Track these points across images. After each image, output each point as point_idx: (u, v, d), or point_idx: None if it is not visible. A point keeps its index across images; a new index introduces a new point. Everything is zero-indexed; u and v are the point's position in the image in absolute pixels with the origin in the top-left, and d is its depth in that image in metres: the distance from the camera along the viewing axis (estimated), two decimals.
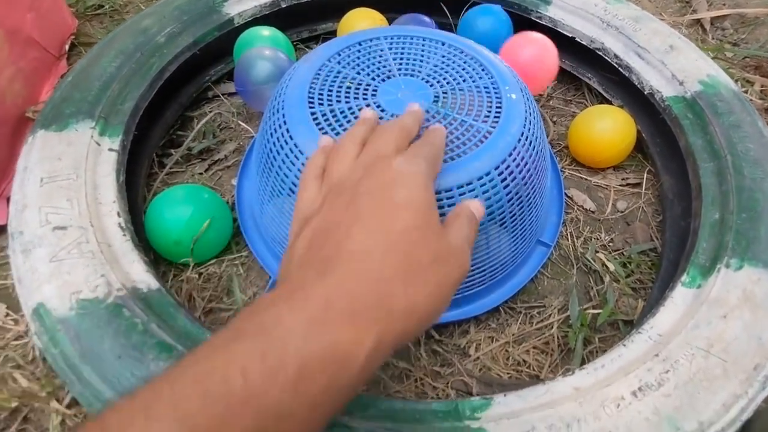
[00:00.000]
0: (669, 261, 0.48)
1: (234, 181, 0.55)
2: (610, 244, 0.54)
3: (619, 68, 0.60)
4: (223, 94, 0.63)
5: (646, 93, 0.57)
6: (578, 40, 0.63)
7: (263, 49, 0.55)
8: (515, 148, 0.38)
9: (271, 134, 0.39)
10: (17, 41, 0.57)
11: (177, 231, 0.44)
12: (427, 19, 0.65)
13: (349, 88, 0.40)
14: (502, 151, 0.37)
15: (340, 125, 0.38)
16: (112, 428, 0.19)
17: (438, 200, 0.34)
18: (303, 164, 0.37)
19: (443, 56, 0.43)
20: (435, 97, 0.40)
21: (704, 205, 0.45)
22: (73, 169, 0.42)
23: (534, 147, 0.40)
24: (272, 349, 0.21)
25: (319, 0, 0.67)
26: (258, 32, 0.61)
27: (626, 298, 0.49)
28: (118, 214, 0.41)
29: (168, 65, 0.54)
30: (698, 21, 0.81)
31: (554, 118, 0.65)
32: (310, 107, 0.38)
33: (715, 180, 0.46)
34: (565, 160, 0.61)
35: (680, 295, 0.39)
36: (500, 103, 0.40)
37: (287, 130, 0.38)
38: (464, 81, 0.41)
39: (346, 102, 0.39)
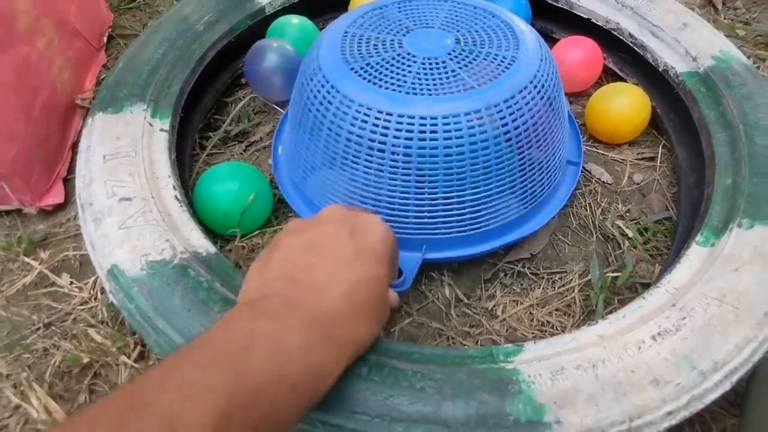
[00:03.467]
0: (684, 227, 0.51)
1: (270, 161, 0.59)
2: (627, 214, 0.57)
3: (634, 47, 0.62)
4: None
5: (660, 70, 0.60)
6: (594, 21, 0.66)
7: (272, 41, 0.60)
8: (540, 66, 0.44)
9: (315, 96, 0.43)
10: (64, 32, 0.61)
11: (226, 203, 0.47)
12: None
13: (376, 44, 0.45)
14: (531, 68, 0.43)
15: (379, 75, 0.42)
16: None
17: (490, 113, 0.40)
18: (357, 111, 0.40)
19: (449, 10, 0.49)
20: (456, 39, 0.45)
21: (717, 172, 0.47)
22: (131, 147, 0.46)
23: (552, 65, 0.46)
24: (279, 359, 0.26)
25: None
26: (288, 20, 0.65)
27: (644, 263, 0.52)
28: (174, 187, 0.45)
29: (207, 52, 0.57)
30: (710, 1, 0.82)
31: (571, 98, 0.68)
32: (347, 64, 0.43)
33: (727, 149, 0.49)
34: (583, 137, 0.64)
35: (695, 253, 0.42)
36: (514, 34, 0.46)
37: (332, 87, 0.42)
38: (476, 24, 0.47)
39: (378, 55, 0.44)
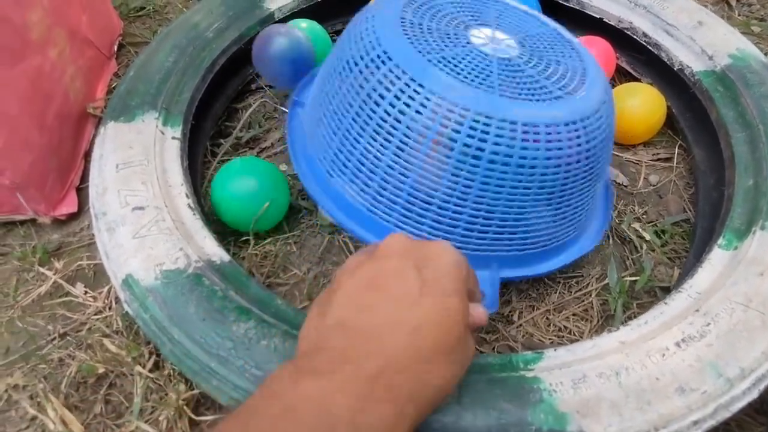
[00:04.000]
0: (703, 229, 0.50)
1: (282, 167, 0.59)
2: (644, 216, 0.56)
3: (648, 46, 0.62)
4: (265, 86, 0.67)
5: (675, 69, 0.59)
6: (606, 20, 0.65)
7: (280, 26, 0.59)
8: (603, 77, 0.42)
9: (386, 89, 0.37)
10: (76, 41, 0.61)
11: (242, 199, 0.48)
12: None
13: (441, 36, 0.40)
14: (602, 79, 0.42)
15: (463, 71, 0.37)
16: None
17: (584, 125, 0.38)
18: (449, 110, 0.36)
19: (499, 11, 0.46)
20: (520, 42, 0.42)
21: (737, 173, 0.46)
22: (143, 156, 0.46)
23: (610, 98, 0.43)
24: (321, 426, 0.23)
25: None
26: (297, 25, 0.64)
27: (662, 267, 0.51)
28: (186, 195, 0.44)
29: (218, 59, 0.57)
30: None
31: None
32: (422, 55, 0.37)
33: (747, 149, 0.48)
34: None
35: (717, 257, 0.41)
36: (571, 45, 0.44)
37: (412, 79, 0.36)
38: (530, 28, 0.45)
39: (449, 49, 0.39)
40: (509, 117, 0.36)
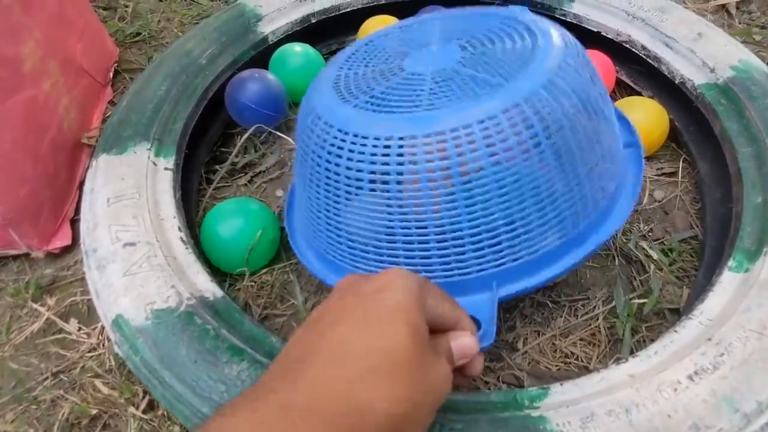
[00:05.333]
0: (711, 248, 0.48)
1: (278, 192, 0.58)
2: (650, 234, 0.54)
3: (648, 59, 0.60)
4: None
5: (677, 82, 0.58)
6: (604, 34, 0.64)
7: (253, 71, 0.59)
8: (567, 41, 0.38)
9: (321, 147, 0.37)
10: (70, 72, 0.61)
11: (232, 242, 0.46)
12: (443, 9, 0.66)
13: (374, 76, 0.40)
14: (559, 47, 0.37)
15: (389, 102, 0.36)
16: None
17: (531, 105, 0.34)
18: (374, 145, 0.34)
19: (443, 25, 0.44)
20: (460, 47, 0.40)
21: (745, 189, 0.45)
22: (135, 189, 0.45)
23: (579, 46, 0.39)
24: None
25: (345, 14, 0.69)
26: (291, 48, 0.64)
27: (671, 287, 0.50)
28: (179, 228, 0.44)
29: (211, 85, 0.57)
30: (723, 6, 0.80)
31: None
32: (348, 103, 0.37)
33: (754, 164, 0.47)
34: None
35: (728, 280, 0.39)
36: (524, 25, 0.39)
37: (339, 130, 0.36)
38: (478, 26, 0.41)
39: (380, 85, 0.38)
40: (434, 129, 0.33)
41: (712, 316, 0.37)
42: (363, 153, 0.35)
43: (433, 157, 0.33)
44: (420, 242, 0.36)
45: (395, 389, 0.24)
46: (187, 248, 0.42)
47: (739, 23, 0.78)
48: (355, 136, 0.35)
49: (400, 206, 0.35)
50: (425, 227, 0.36)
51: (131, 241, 0.41)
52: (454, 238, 0.36)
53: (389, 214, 0.36)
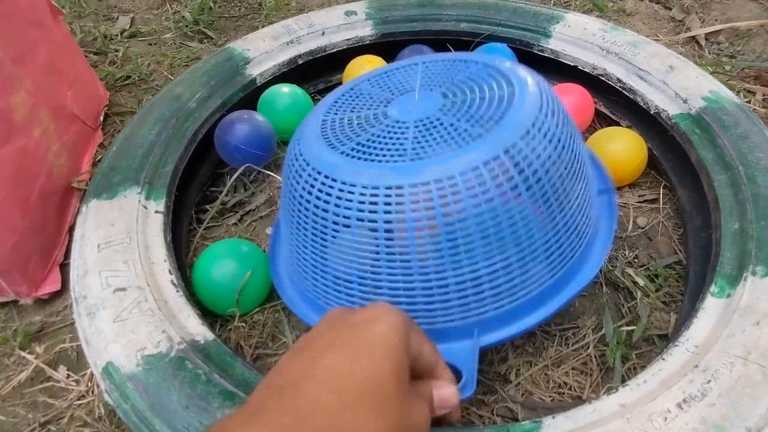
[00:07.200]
0: (696, 273, 0.49)
1: (269, 230, 0.58)
2: (635, 260, 0.55)
3: (623, 91, 0.63)
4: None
5: (652, 112, 0.60)
6: (581, 68, 0.66)
7: (242, 112, 0.61)
8: (542, 93, 0.38)
9: (309, 193, 0.38)
10: (61, 118, 0.62)
11: (224, 285, 0.46)
12: (426, 48, 0.69)
13: (359, 123, 0.41)
14: (535, 97, 0.38)
15: (374, 151, 0.38)
16: None
17: (510, 156, 0.35)
18: (361, 194, 0.35)
19: (424, 70, 0.45)
20: (442, 94, 0.41)
21: (723, 216, 0.46)
22: (125, 233, 0.45)
23: (554, 96, 0.40)
24: None
25: (331, 54, 0.71)
26: (278, 89, 0.66)
27: (658, 313, 0.50)
28: (170, 271, 0.44)
29: (200, 128, 0.58)
30: (693, 38, 0.84)
31: None
32: (335, 150, 0.38)
33: (730, 191, 0.48)
34: None
35: (711, 306, 0.40)
36: (501, 73, 0.40)
37: (326, 176, 0.37)
38: (458, 74, 0.42)
39: (365, 132, 0.39)
40: (420, 179, 0.34)
41: (697, 342, 0.38)
42: (351, 201, 0.36)
43: (419, 206, 0.35)
44: (405, 288, 0.37)
45: (380, 420, 0.25)
46: (177, 291, 0.42)
47: (709, 53, 0.81)
48: (343, 183, 0.36)
49: (389, 254, 0.36)
50: (411, 274, 0.36)
51: (122, 287, 0.41)
52: (439, 286, 0.37)
53: (375, 260, 0.37)
